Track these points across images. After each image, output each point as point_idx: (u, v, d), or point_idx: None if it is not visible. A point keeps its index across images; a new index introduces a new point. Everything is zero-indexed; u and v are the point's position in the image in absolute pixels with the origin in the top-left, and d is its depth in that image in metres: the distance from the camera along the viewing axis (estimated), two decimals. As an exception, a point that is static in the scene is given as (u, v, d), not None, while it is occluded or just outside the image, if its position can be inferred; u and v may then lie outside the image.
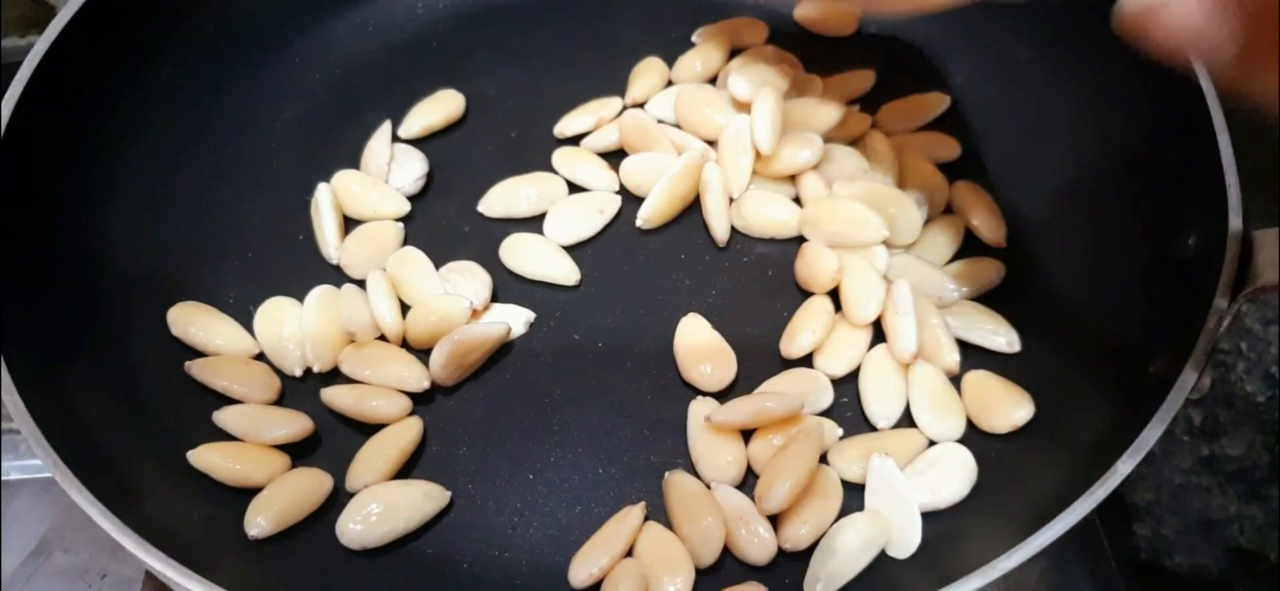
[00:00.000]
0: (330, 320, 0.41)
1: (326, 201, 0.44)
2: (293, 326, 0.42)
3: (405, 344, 0.42)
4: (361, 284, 0.43)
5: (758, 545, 0.36)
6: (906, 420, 0.40)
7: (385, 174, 0.46)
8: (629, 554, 0.37)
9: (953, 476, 0.38)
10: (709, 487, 0.38)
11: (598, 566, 0.36)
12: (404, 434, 0.39)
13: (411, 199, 0.46)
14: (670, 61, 0.50)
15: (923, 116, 0.48)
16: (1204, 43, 0.21)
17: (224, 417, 0.39)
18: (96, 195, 0.43)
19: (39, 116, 0.41)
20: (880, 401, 0.40)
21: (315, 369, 0.41)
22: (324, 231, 0.44)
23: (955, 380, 0.41)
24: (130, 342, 0.41)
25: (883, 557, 0.36)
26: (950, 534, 0.37)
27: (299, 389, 0.41)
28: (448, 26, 0.53)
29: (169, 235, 0.45)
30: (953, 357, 0.40)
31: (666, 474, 0.38)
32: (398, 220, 0.45)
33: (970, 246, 0.44)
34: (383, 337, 0.41)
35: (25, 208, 0.40)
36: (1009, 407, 0.39)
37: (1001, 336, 0.41)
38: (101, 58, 0.44)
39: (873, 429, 0.40)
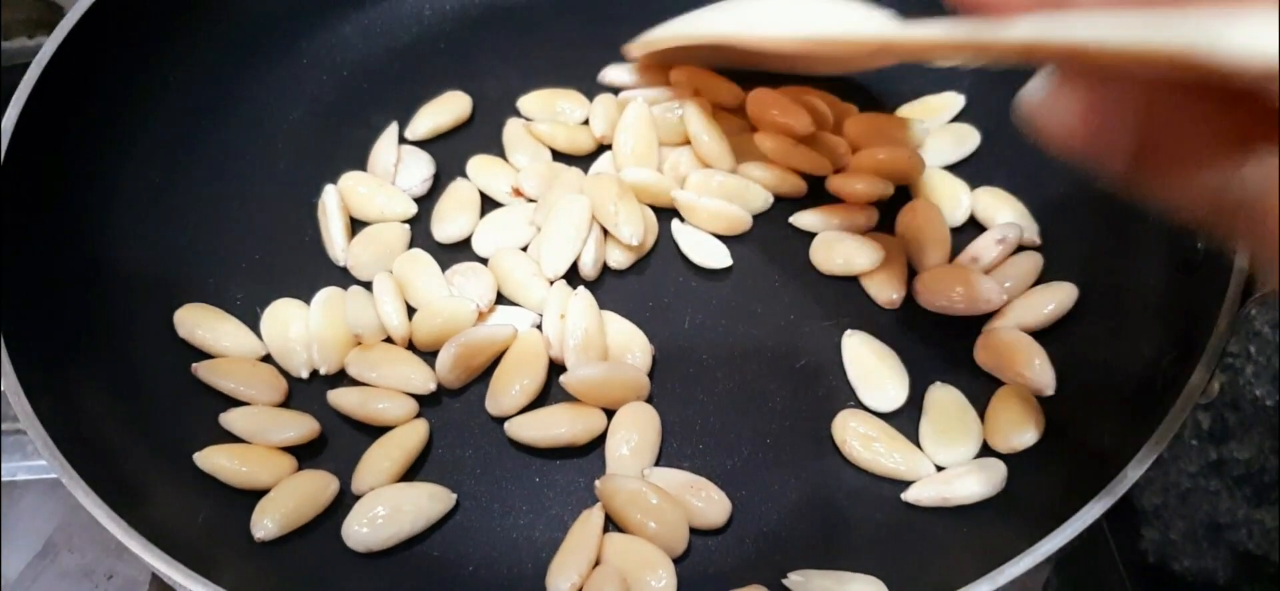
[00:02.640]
0: (337, 322, 0.41)
1: (333, 203, 0.44)
2: (299, 328, 0.42)
3: (412, 346, 0.42)
4: (368, 286, 0.43)
5: (715, 508, 0.37)
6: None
7: (392, 175, 0.46)
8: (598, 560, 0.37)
9: (979, 470, 0.38)
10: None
11: (578, 572, 0.36)
12: (410, 436, 0.39)
13: (418, 200, 0.46)
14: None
15: (937, 116, 0.48)
16: (1093, 148, 0.20)
17: (231, 419, 0.39)
18: (103, 197, 0.44)
19: (46, 118, 0.41)
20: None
21: (322, 371, 0.41)
22: (331, 233, 0.44)
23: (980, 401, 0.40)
24: (136, 344, 0.41)
25: (896, 561, 0.36)
26: (958, 537, 0.37)
27: (305, 391, 0.41)
28: (454, 28, 0.53)
29: (175, 237, 0.45)
30: None
31: (597, 483, 0.38)
32: (404, 222, 0.45)
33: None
34: (389, 339, 0.41)
35: (32, 210, 0.40)
36: (1018, 430, 0.39)
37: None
38: (109, 60, 0.44)
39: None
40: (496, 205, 0.46)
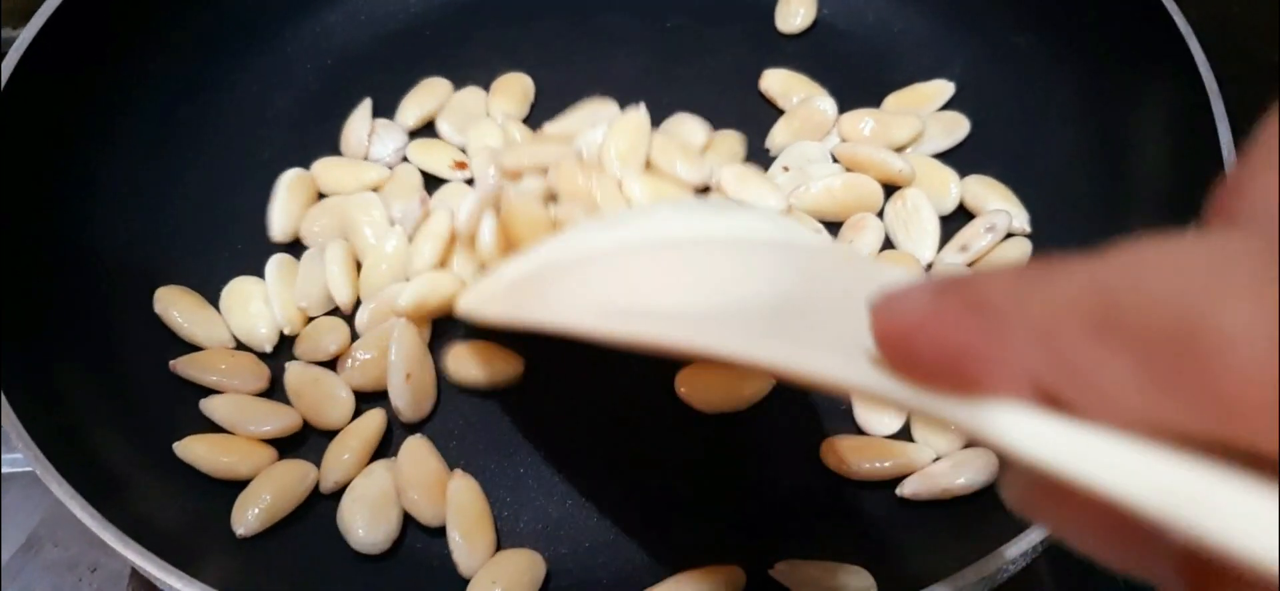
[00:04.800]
0: (292, 284, 0.42)
1: (284, 183, 0.44)
2: (259, 304, 0.42)
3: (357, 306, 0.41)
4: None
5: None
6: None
7: (365, 151, 0.46)
8: None
9: (974, 460, 0.37)
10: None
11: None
12: (367, 426, 0.38)
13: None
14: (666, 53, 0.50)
15: (927, 104, 0.47)
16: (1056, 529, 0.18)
17: (212, 407, 0.38)
18: (84, 184, 0.43)
19: (25, 105, 0.40)
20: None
21: (285, 331, 0.41)
22: (272, 209, 0.44)
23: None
24: (116, 334, 0.41)
25: (885, 551, 0.36)
26: (946, 526, 0.37)
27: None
28: (440, 16, 0.52)
29: (157, 225, 0.44)
30: None
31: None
32: (373, 189, 0.45)
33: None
34: (337, 312, 0.41)
35: (10, 197, 0.39)
36: None
37: None
38: (90, 46, 0.44)
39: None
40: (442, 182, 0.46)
